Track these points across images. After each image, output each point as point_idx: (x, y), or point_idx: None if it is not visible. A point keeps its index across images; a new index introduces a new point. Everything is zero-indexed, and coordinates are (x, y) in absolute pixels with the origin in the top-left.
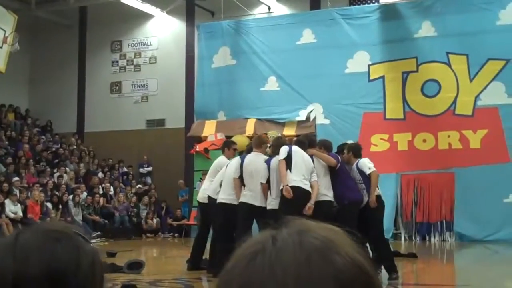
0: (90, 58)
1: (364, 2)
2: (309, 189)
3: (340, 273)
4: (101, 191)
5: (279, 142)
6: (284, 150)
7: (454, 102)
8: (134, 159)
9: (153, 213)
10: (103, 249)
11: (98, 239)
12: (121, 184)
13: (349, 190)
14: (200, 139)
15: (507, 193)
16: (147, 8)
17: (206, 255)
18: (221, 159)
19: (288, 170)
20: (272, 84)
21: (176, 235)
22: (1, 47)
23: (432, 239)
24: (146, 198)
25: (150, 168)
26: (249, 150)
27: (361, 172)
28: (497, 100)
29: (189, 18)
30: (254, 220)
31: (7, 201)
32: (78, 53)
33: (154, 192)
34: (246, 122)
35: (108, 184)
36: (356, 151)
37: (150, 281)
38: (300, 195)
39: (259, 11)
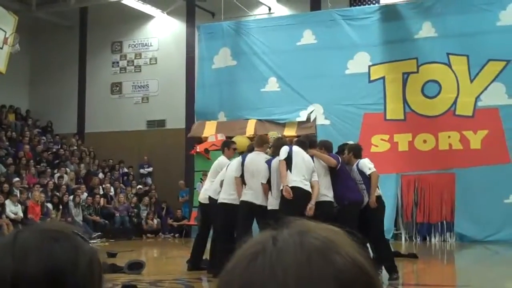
0: (91, 59)
1: (364, 3)
2: (309, 189)
3: (341, 273)
4: (101, 192)
5: (279, 142)
6: (284, 150)
7: (455, 102)
8: (134, 159)
9: (154, 213)
10: (104, 249)
11: (99, 239)
12: (121, 185)
13: (350, 191)
14: (200, 140)
15: (507, 193)
16: (147, 9)
17: (206, 256)
18: (221, 159)
19: (288, 171)
20: (272, 84)
21: (177, 235)
22: (1, 48)
23: (433, 239)
24: (146, 199)
25: (150, 169)
26: (250, 149)
27: (361, 172)
28: (498, 101)
29: (190, 19)
30: (254, 220)
31: (7, 202)
32: (78, 54)
33: (154, 193)
34: (246, 123)
35: (108, 185)
36: (357, 151)
37: (150, 282)
38: (300, 195)
39: (259, 12)
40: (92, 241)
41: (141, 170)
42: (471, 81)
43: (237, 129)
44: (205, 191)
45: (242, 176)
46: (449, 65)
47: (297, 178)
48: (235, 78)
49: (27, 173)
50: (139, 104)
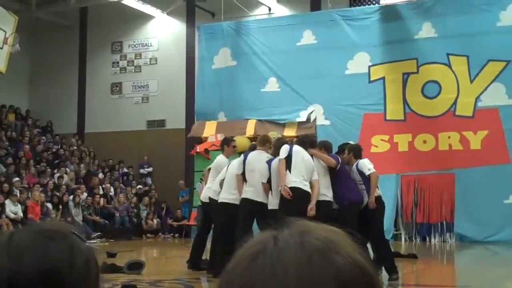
0: (91, 59)
1: (364, 3)
2: (309, 190)
3: (341, 274)
4: (101, 192)
5: (280, 143)
6: (285, 149)
7: (455, 103)
8: (134, 159)
9: (153, 213)
10: (104, 249)
11: (99, 239)
12: (121, 185)
13: (349, 191)
14: (200, 140)
15: (507, 194)
16: (147, 9)
17: (206, 255)
18: (220, 158)
19: (288, 171)
20: (272, 85)
21: (176, 235)
22: (1, 48)
23: (433, 240)
24: (146, 199)
25: (150, 169)
26: (252, 148)
27: (361, 173)
28: (498, 101)
29: (190, 19)
30: (255, 220)
31: (7, 202)
32: (78, 54)
33: (154, 193)
34: (246, 123)
35: (108, 185)
36: (357, 152)
37: (150, 282)
38: (300, 195)
39: (259, 12)
40: (91, 241)
41: (141, 170)
42: (471, 81)
43: (237, 129)
44: (207, 189)
45: (243, 174)
46: (449, 66)
47: (296, 179)
48: (235, 78)
49: (27, 173)
50: (139, 104)
